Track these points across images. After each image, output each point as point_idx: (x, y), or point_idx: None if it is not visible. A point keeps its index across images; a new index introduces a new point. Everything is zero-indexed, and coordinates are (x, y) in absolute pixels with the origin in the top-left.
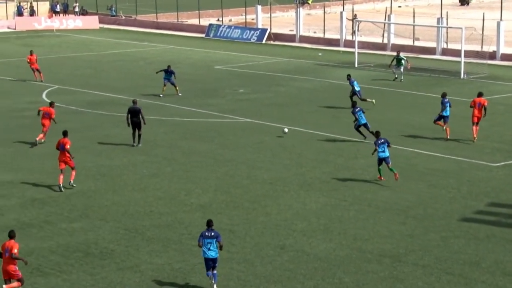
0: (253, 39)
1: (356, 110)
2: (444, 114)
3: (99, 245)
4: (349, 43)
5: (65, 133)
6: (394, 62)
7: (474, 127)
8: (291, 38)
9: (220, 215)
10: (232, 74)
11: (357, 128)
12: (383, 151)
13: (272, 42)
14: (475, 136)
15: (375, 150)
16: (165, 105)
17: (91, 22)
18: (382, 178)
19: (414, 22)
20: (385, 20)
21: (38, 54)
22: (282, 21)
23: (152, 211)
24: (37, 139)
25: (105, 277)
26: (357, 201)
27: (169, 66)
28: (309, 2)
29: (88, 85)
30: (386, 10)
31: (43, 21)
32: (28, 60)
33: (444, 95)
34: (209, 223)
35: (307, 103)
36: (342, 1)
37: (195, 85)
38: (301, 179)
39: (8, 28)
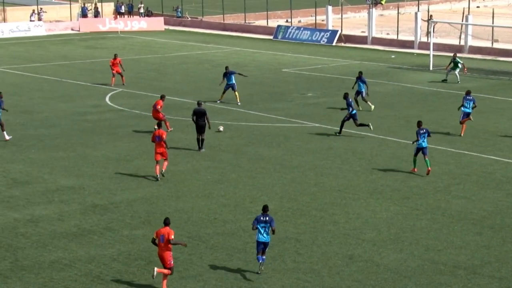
0: (323, 41)
1: (350, 100)
2: (465, 110)
3: None
4: (424, 45)
5: (159, 125)
6: (452, 65)
7: None
8: (362, 40)
9: (286, 223)
10: (300, 77)
11: (345, 120)
12: (423, 141)
13: (343, 44)
14: None
15: (417, 140)
16: (231, 109)
17: (156, 23)
18: (415, 170)
19: (493, 23)
20: (462, 21)
21: (102, 56)
22: (353, 22)
23: (216, 219)
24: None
25: (167, 286)
26: (430, 210)
27: (227, 67)
28: (382, 2)
29: (152, 88)
30: (463, 11)
31: (108, 23)
32: (111, 64)
33: (468, 93)
34: (265, 209)
35: (379, 107)
36: (417, 1)
37: (262, 88)
38: (371, 186)
39: (72, 29)
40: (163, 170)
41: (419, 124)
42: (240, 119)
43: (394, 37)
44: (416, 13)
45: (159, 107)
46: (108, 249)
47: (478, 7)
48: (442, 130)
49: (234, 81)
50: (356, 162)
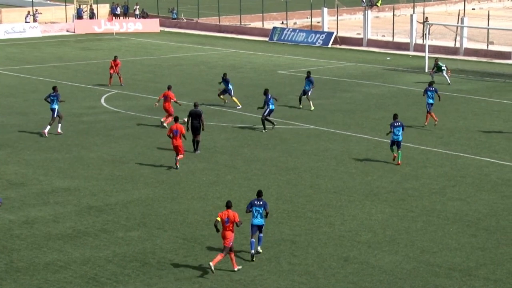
0: (319, 43)
1: (269, 97)
2: (428, 101)
3: (157, 255)
4: (419, 47)
5: (176, 119)
6: (435, 69)
7: None
8: (358, 41)
9: (281, 225)
10: (296, 79)
11: (265, 117)
12: (397, 135)
13: (338, 46)
14: None
15: (390, 131)
16: (226, 111)
17: (152, 25)
18: (395, 155)
19: (488, 25)
20: (457, 23)
21: (97, 58)
22: (349, 24)
23: (211, 220)
24: (163, 120)
25: None
26: (425, 212)
27: (225, 74)
28: (378, 4)
29: (148, 90)
30: (459, 13)
31: (103, 24)
32: (112, 65)
33: (430, 84)
34: (259, 193)
35: (374, 109)
36: (412, 3)
37: (257, 90)
38: (367, 188)
39: (67, 31)
40: (179, 159)
41: (395, 117)
42: (236, 121)
43: (390, 39)
44: (411, 15)
45: (174, 99)
46: (103, 250)
47: (473, 9)
48: (438, 132)
49: (230, 87)
50: (352, 164)
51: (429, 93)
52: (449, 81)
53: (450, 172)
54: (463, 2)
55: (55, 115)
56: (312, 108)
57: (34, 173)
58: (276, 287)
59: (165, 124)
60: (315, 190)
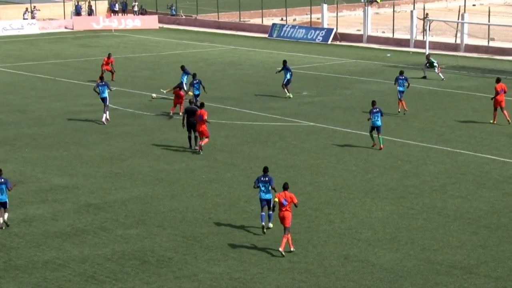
0: (318, 39)
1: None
2: (400, 89)
3: (156, 253)
4: (420, 44)
5: (202, 105)
6: (428, 65)
7: (504, 112)
8: (358, 38)
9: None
10: (295, 76)
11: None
12: (377, 120)
13: (338, 43)
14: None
15: (369, 118)
16: (226, 108)
17: (150, 21)
18: (375, 144)
19: (489, 22)
20: (458, 19)
21: (96, 55)
22: (349, 20)
23: (210, 218)
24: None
25: (162, 286)
26: (425, 210)
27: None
28: (378, 0)
29: (146, 87)
30: (459, 9)
31: (101, 21)
32: (104, 62)
33: (401, 73)
34: (265, 170)
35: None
36: (412, 0)
37: (257, 87)
38: (367, 186)
39: (66, 28)
40: (202, 144)
41: (373, 103)
42: (235, 118)
43: (390, 35)
44: (411, 11)
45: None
46: (102, 248)
47: (474, 5)
48: (438, 129)
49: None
50: (352, 162)
51: (400, 81)
52: (442, 77)
53: (451, 169)
54: None
55: (107, 103)
56: (288, 95)
57: (33, 171)
58: (276, 285)
59: (171, 113)
60: (315, 188)
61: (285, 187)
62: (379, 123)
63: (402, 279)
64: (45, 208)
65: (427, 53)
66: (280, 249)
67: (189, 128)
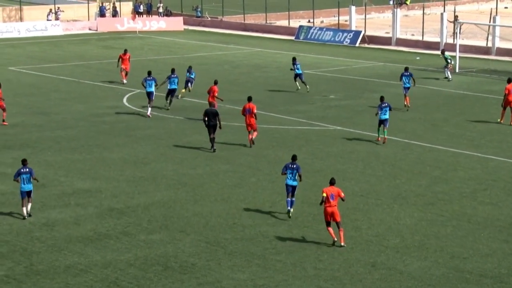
0: (346, 42)
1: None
2: (405, 86)
3: (179, 259)
4: (450, 47)
5: (250, 99)
6: (445, 63)
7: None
8: (386, 41)
9: (306, 228)
10: (322, 79)
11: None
12: (385, 114)
13: (366, 45)
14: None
15: (377, 113)
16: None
17: (175, 23)
18: (379, 139)
19: None
20: (489, 22)
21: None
22: (377, 22)
23: (235, 223)
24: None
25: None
26: (455, 217)
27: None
28: (407, 2)
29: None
30: (491, 11)
31: (126, 22)
32: (120, 57)
33: (406, 69)
34: (294, 157)
35: (403, 110)
36: (442, 2)
37: (283, 90)
38: (395, 192)
39: (90, 29)
40: (253, 137)
41: (382, 99)
42: (261, 121)
43: (419, 38)
44: (442, 14)
45: (216, 94)
46: (124, 254)
47: (506, 7)
48: (469, 134)
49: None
50: (379, 167)
51: (404, 78)
52: (450, 76)
53: (481, 175)
54: (496, 0)
55: (153, 98)
56: (298, 87)
57: (55, 174)
58: None
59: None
60: None
61: (332, 182)
62: (386, 116)
63: None
64: (67, 212)
65: (441, 49)
66: (342, 243)
67: (209, 130)
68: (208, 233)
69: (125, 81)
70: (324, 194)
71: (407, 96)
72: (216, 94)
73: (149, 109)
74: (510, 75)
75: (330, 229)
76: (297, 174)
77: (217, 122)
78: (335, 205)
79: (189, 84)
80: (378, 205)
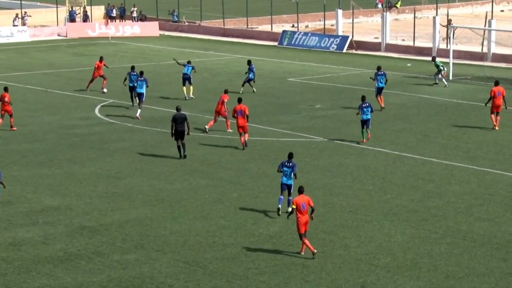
0: (333, 47)
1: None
2: (379, 85)
3: (155, 280)
4: (443, 53)
5: (240, 100)
6: (436, 70)
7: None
8: (376, 46)
9: (291, 247)
10: (307, 87)
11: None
12: (366, 115)
13: (354, 51)
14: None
15: (358, 113)
16: (233, 122)
17: (150, 28)
18: (364, 141)
19: None
20: (485, 26)
21: (91, 64)
22: (365, 27)
23: (215, 242)
24: (207, 126)
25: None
26: (449, 233)
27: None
28: (397, 5)
29: (146, 99)
30: (486, 15)
31: (97, 28)
32: (96, 66)
33: (379, 69)
34: (290, 156)
35: (394, 120)
36: (435, 5)
37: (266, 99)
38: (386, 207)
39: (59, 35)
40: (246, 139)
41: (363, 98)
42: None
43: (410, 43)
44: (434, 18)
45: (226, 100)
46: (97, 275)
47: (502, 11)
48: (464, 145)
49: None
50: (369, 181)
51: (378, 77)
52: (436, 81)
53: (477, 189)
54: (491, 3)
55: (143, 99)
56: (246, 90)
57: (22, 191)
58: None
59: (206, 127)
60: (329, 209)
61: (301, 191)
62: (368, 116)
63: None
64: (35, 231)
65: (432, 55)
66: (314, 250)
67: (177, 137)
68: (186, 252)
69: (105, 90)
70: (294, 206)
71: (381, 96)
72: (226, 101)
73: (139, 110)
74: (506, 82)
75: (306, 240)
76: (292, 172)
77: (186, 127)
78: (306, 214)
79: (187, 82)
80: (367, 222)
